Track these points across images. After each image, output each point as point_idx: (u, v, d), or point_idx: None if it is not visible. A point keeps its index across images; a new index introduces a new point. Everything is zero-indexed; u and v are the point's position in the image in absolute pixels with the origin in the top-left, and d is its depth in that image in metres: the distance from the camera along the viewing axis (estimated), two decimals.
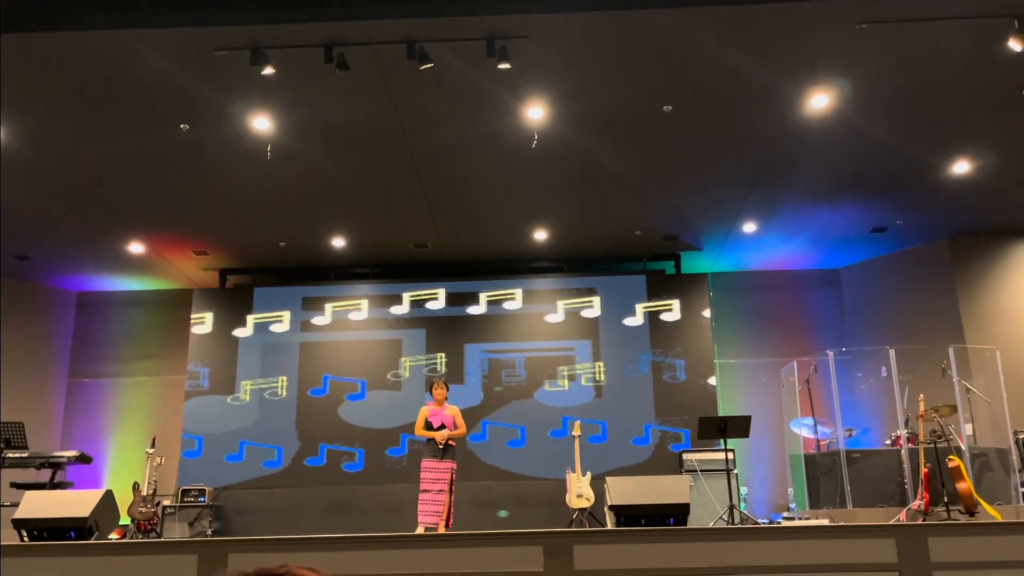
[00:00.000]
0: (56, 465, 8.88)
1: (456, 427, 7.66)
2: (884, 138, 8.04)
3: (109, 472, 11.30)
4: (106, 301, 12.10)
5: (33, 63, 6.59)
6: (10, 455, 8.60)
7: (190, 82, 6.90)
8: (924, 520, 7.41)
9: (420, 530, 7.17)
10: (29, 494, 6.21)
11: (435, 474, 7.44)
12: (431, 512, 7.33)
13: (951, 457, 7.74)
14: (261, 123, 7.60)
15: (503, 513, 10.33)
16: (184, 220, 9.85)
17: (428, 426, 7.62)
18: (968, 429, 9.07)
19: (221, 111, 7.39)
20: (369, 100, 7.29)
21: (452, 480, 7.49)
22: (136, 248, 10.55)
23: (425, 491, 7.41)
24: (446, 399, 7.80)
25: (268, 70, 6.50)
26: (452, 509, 7.48)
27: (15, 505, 6.50)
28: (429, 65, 6.43)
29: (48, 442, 11.15)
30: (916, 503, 7.75)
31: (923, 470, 7.73)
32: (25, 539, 5.89)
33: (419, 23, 6.28)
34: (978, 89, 7.24)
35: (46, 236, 10.09)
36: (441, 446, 7.49)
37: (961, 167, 8.69)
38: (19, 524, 5.90)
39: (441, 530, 7.24)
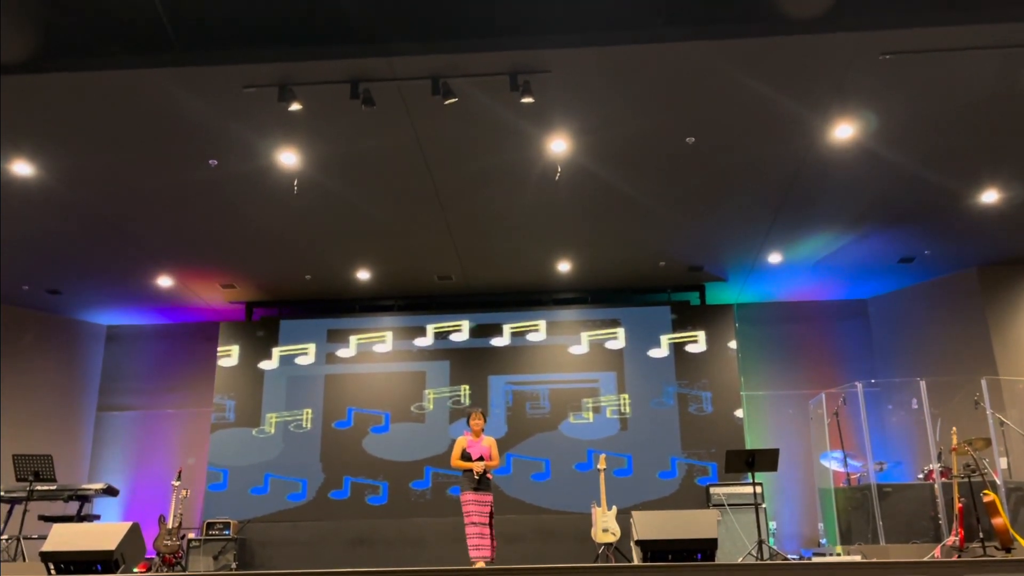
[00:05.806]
0: (84, 498, 8.95)
1: (491, 458, 7.52)
2: (910, 168, 7.99)
3: (135, 504, 11.34)
4: (134, 334, 12.25)
5: (65, 101, 6.75)
6: (39, 487, 8.68)
7: (219, 119, 7.03)
8: (959, 557, 7.23)
9: (480, 564, 6.97)
10: (57, 527, 6.25)
11: (479, 507, 7.29)
12: (484, 546, 7.17)
13: (986, 492, 7.56)
14: (288, 158, 7.71)
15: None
16: (211, 254, 9.97)
17: (467, 457, 7.45)
18: (1003, 463, 8.87)
19: (249, 147, 7.51)
20: (394, 134, 7.38)
21: (492, 513, 7.36)
22: (164, 282, 10.68)
23: (472, 524, 7.23)
24: (483, 430, 7.68)
25: (295, 106, 6.62)
26: (495, 542, 7.39)
27: (43, 538, 6.54)
28: (453, 100, 6.50)
29: (76, 474, 11.25)
30: (951, 539, 7.57)
31: (957, 505, 7.56)
32: (52, 572, 5.92)
33: (443, 59, 6.37)
34: (1005, 118, 7.18)
35: (77, 271, 10.25)
36: (477, 477, 7.36)
37: (989, 196, 8.59)
38: (47, 557, 5.94)
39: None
